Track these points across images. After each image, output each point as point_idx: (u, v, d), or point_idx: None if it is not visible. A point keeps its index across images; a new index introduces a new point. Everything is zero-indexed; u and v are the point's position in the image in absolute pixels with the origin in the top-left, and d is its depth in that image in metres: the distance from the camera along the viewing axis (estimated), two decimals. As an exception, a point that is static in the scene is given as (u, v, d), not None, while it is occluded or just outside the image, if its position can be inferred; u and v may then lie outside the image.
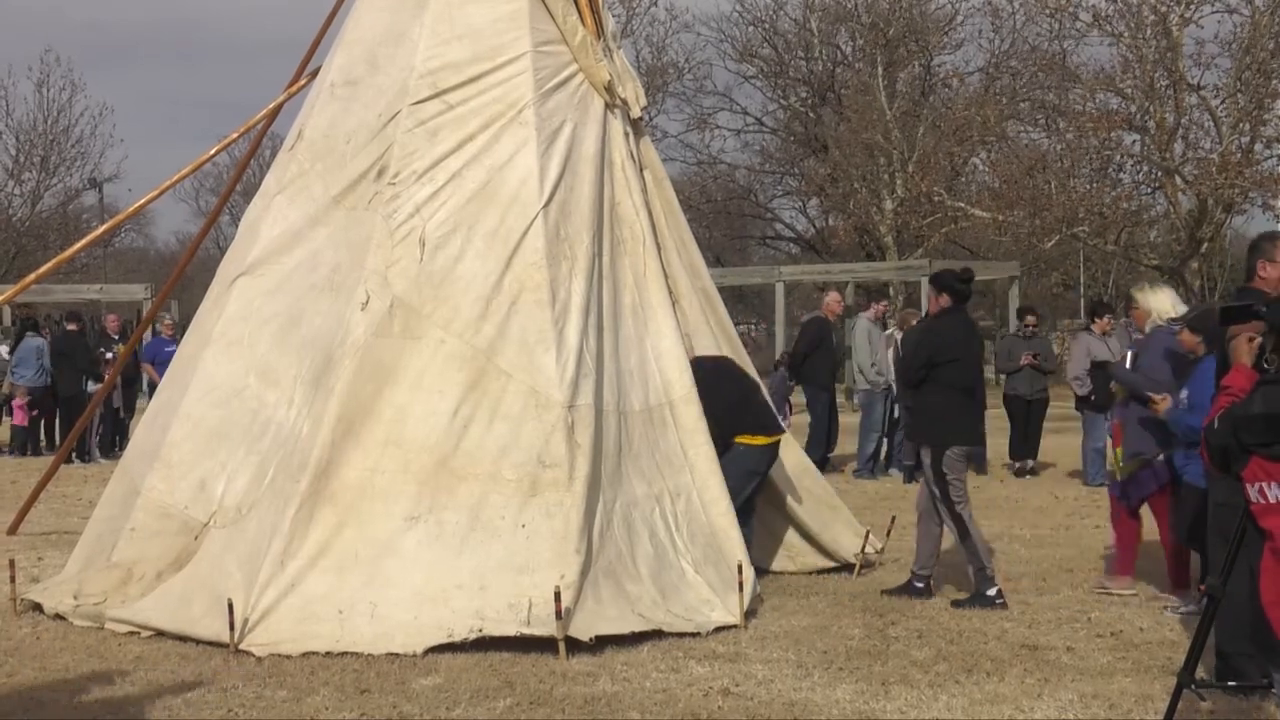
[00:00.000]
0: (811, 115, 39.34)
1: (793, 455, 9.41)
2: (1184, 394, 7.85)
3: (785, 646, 7.12)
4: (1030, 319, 16.11)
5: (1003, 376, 16.03)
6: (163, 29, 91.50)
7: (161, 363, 14.72)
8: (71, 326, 18.65)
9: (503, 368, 7.55)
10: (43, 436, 18.64)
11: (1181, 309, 8.67)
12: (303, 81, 9.56)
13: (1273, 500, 4.35)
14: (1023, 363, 15.21)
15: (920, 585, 8.39)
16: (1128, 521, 8.64)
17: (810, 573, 8.96)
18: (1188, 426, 7.75)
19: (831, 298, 16.38)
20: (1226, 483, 6.05)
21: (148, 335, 19.53)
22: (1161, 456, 8.26)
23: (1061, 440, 16.50)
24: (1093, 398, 13.48)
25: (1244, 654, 5.85)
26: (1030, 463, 15.31)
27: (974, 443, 8.46)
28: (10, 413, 18.86)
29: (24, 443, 18.21)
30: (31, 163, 38.20)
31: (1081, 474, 14.32)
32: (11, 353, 18.94)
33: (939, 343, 8.44)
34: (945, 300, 8.56)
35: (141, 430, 9.04)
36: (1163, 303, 8.63)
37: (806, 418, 15.29)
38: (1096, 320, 13.98)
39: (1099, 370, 13.30)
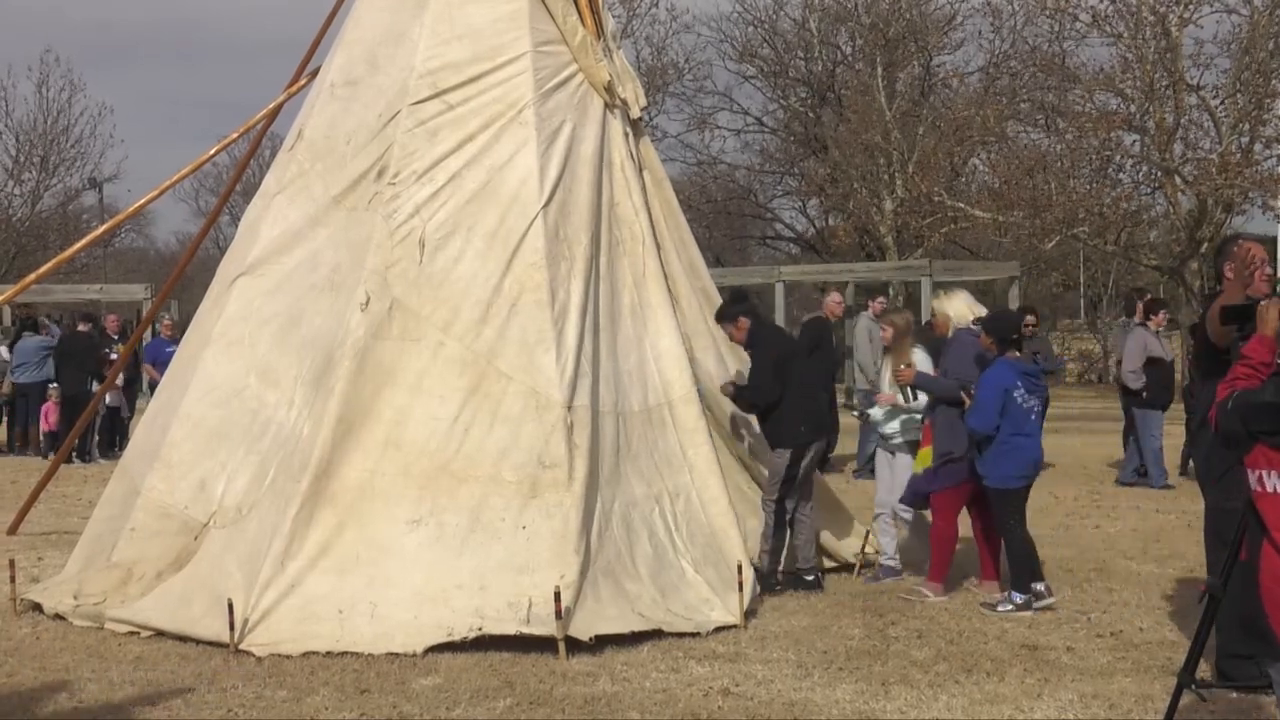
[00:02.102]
0: (811, 115, 39.28)
1: (792, 455, 9.40)
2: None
3: (785, 646, 7.12)
4: (1030, 319, 16.05)
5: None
6: (163, 29, 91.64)
7: (162, 363, 14.68)
8: (83, 327, 18.62)
9: (503, 370, 7.55)
10: (42, 437, 18.58)
11: (980, 310, 8.88)
12: (303, 81, 9.56)
13: (1269, 490, 4.35)
14: None
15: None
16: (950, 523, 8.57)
17: (810, 573, 8.95)
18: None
19: (833, 299, 16.29)
20: (1221, 486, 6.07)
21: (148, 335, 19.51)
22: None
23: (1061, 440, 16.47)
24: (1144, 394, 13.48)
25: (1237, 655, 5.86)
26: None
27: (808, 442, 8.58)
28: (11, 411, 18.82)
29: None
30: (31, 163, 38.13)
31: (1089, 475, 14.31)
32: (11, 353, 18.90)
33: (784, 351, 8.69)
34: (745, 322, 8.69)
35: (141, 430, 9.04)
36: (959, 308, 8.86)
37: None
38: (1152, 317, 14.00)
39: (1153, 367, 13.38)
